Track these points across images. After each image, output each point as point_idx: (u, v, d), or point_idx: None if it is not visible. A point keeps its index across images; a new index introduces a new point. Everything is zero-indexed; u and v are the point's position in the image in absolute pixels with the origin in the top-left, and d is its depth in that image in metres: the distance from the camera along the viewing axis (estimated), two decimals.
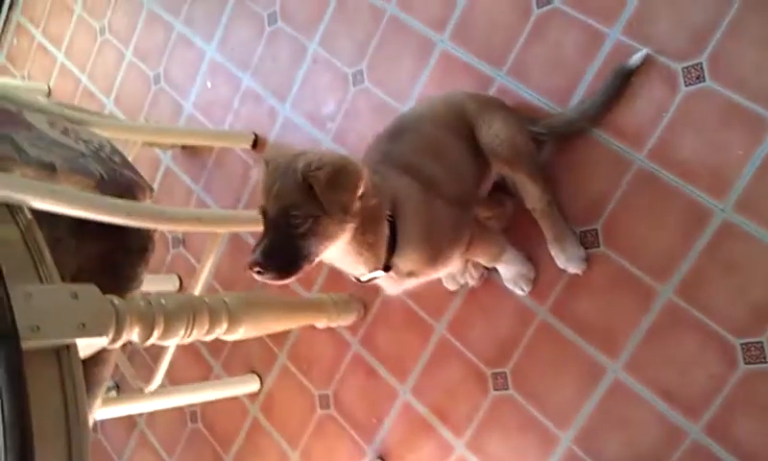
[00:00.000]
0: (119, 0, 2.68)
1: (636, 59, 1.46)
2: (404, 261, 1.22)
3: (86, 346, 1.08)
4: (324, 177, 1.06)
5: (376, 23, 1.91)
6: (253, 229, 1.82)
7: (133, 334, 1.18)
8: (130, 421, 2.32)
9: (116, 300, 1.15)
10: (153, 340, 1.22)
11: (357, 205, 1.10)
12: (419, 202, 1.23)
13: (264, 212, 1.11)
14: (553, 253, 1.52)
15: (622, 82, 1.48)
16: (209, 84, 2.31)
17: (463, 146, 1.41)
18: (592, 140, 1.52)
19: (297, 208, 1.07)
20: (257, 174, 1.14)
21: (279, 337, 1.98)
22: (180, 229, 1.49)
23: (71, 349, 1.05)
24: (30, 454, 0.87)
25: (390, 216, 1.19)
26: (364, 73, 1.93)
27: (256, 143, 2.13)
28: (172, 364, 1.68)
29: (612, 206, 1.49)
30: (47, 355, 1.03)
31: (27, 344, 0.98)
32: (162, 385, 1.73)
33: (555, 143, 1.56)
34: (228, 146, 2.18)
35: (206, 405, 2.14)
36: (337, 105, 1.98)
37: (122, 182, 1.40)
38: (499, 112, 1.48)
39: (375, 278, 1.24)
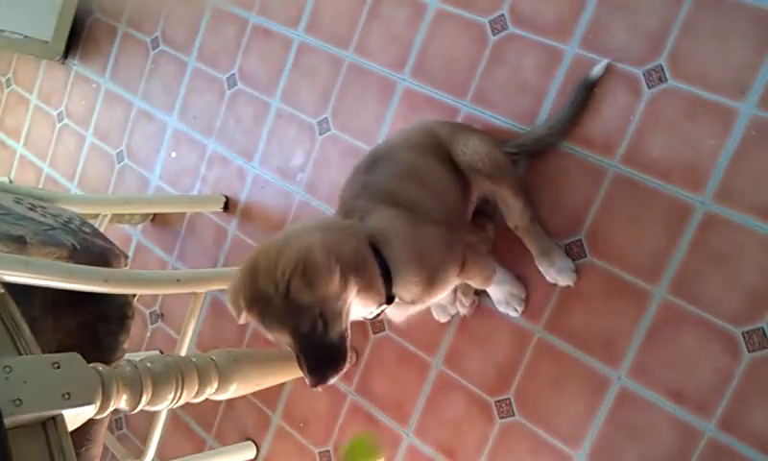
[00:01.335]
0: (74, 85, 2.67)
1: (597, 70, 1.49)
2: (404, 290, 1.20)
3: (74, 417, 1.02)
4: (297, 286, 1.03)
5: (336, 71, 1.93)
6: None
7: (122, 401, 1.11)
8: None
9: (100, 367, 1.09)
10: (142, 405, 1.16)
11: (343, 278, 1.08)
12: (403, 227, 1.21)
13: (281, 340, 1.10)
14: (542, 268, 1.50)
15: (586, 94, 1.50)
16: (174, 154, 2.29)
17: (442, 168, 1.40)
18: (564, 153, 1.54)
19: (301, 322, 1.06)
20: (244, 319, 1.13)
21: (271, 398, 1.91)
22: (160, 291, 1.43)
23: (58, 420, 0.99)
24: None
25: (375, 250, 1.17)
26: (329, 120, 1.93)
27: (227, 205, 2.11)
28: (163, 443, 1.61)
29: (592, 214, 1.49)
30: (33, 429, 0.97)
31: (10, 419, 0.92)
32: None
33: (527, 161, 1.57)
34: (199, 211, 2.14)
35: None
36: (305, 155, 1.97)
37: (95, 251, 1.36)
38: (473, 132, 1.49)
39: (382, 310, 1.22)
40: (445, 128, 1.49)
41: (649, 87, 1.45)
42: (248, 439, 1.96)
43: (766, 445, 1.29)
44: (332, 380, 1.09)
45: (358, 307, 1.16)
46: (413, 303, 1.24)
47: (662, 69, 1.44)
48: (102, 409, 1.07)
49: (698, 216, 1.38)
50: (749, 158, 1.34)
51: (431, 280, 1.22)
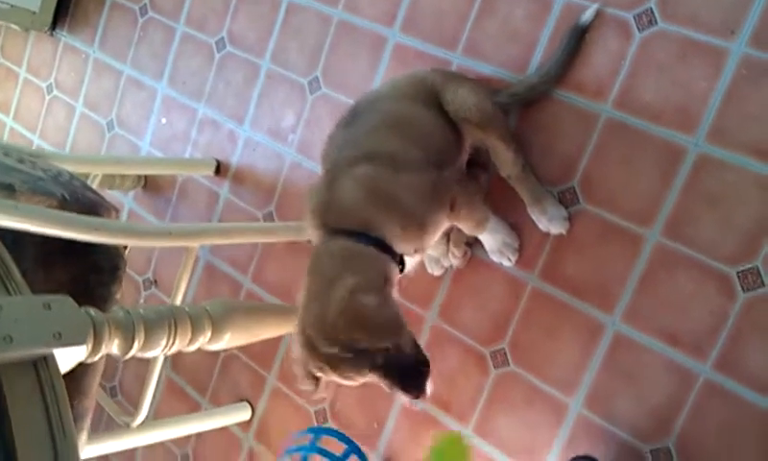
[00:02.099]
0: (63, 56, 2.64)
1: (587, 16, 1.47)
2: (402, 245, 1.20)
3: (65, 358, 1.01)
4: (359, 338, 1.07)
5: (325, 29, 1.91)
6: (225, 242, 1.78)
7: (113, 346, 1.11)
8: None
9: (92, 310, 1.09)
10: (134, 351, 1.15)
11: (387, 305, 1.13)
12: (385, 191, 1.21)
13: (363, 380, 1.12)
14: (534, 216, 1.49)
15: (577, 40, 1.49)
16: (164, 121, 2.27)
17: (429, 113, 1.39)
18: (556, 101, 1.52)
19: (375, 359, 1.08)
20: (324, 388, 1.19)
21: (266, 359, 1.91)
22: (151, 243, 1.43)
23: (49, 360, 0.98)
24: None
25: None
26: (320, 79, 1.91)
27: (219, 168, 2.09)
28: (157, 406, 1.61)
29: (585, 161, 1.49)
30: (24, 368, 0.96)
31: (1, 356, 0.91)
32: (149, 420, 1.64)
33: (520, 110, 1.56)
34: (190, 174, 2.13)
35: (198, 446, 2.05)
36: (296, 116, 1.96)
37: (85, 203, 1.35)
38: (464, 81, 1.47)
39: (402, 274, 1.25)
40: (437, 76, 1.47)
41: (639, 31, 1.44)
42: (243, 400, 1.96)
43: (761, 384, 1.29)
44: (429, 388, 1.10)
45: None
46: (415, 252, 1.26)
47: (652, 12, 1.43)
48: (93, 352, 1.07)
49: (691, 158, 1.37)
50: (740, 98, 1.33)
51: (420, 228, 1.23)
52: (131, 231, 1.33)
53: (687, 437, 1.35)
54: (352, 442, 0.95)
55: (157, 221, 2.21)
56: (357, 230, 1.17)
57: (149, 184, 2.25)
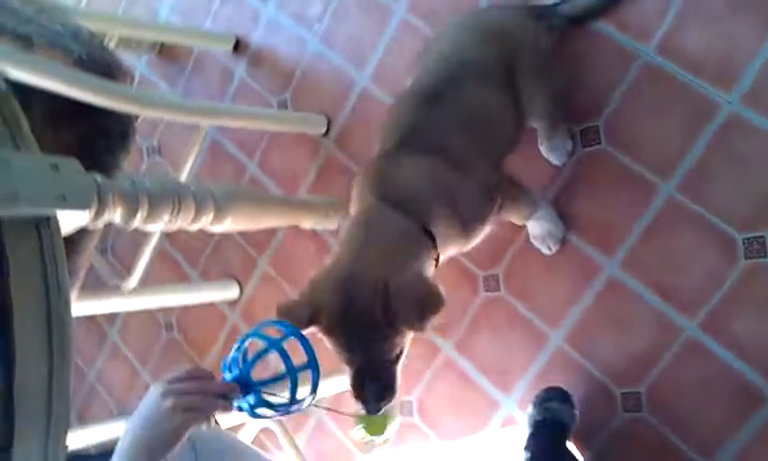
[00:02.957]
0: None
1: None
2: (445, 247, 1.13)
3: (67, 221, 1.01)
4: (411, 314, 0.94)
5: None
6: (237, 124, 1.74)
7: (116, 214, 1.10)
8: (100, 333, 2.26)
9: (99, 176, 1.08)
10: (136, 223, 1.15)
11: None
12: (447, 194, 1.12)
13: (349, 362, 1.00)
14: (540, 139, 1.48)
15: None
16: None
17: (506, 101, 1.27)
18: (597, 33, 1.47)
19: (390, 352, 0.98)
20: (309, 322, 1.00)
21: (260, 243, 1.92)
22: (163, 114, 1.39)
23: (51, 222, 0.98)
24: (8, 320, 0.80)
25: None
26: None
27: (238, 45, 2.03)
28: (147, 272, 1.62)
29: (614, 101, 1.45)
30: (26, 227, 0.96)
31: (5, 211, 0.91)
32: (139, 286, 1.66)
33: (561, 33, 1.48)
34: (208, 46, 2.07)
35: (182, 314, 2.09)
36: (324, 5, 1.88)
37: (102, 63, 1.31)
38: (543, 76, 1.34)
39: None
40: (522, 34, 1.33)
41: None
42: (232, 278, 1.98)
43: (743, 350, 1.31)
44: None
45: None
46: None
47: None
48: (96, 218, 1.07)
49: (722, 115, 1.34)
50: None
51: (469, 234, 1.17)
52: (144, 101, 1.30)
53: (660, 387, 1.39)
54: (291, 326, 0.89)
55: (169, 90, 2.17)
56: (416, 216, 1.08)
57: (164, 52, 2.19)
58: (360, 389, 1.00)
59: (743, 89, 1.32)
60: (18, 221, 0.95)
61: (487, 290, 1.59)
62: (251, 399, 0.86)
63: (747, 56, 1.32)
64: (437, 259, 1.11)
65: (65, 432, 0.79)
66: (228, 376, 0.88)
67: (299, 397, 0.86)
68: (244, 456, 0.97)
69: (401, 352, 1.01)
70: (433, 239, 1.08)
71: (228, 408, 0.86)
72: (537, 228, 1.48)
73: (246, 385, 0.86)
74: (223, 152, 2.02)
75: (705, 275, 1.35)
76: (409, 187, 1.10)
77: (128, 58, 2.23)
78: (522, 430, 1.48)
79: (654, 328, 1.39)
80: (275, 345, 0.86)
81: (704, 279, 1.35)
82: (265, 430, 1.51)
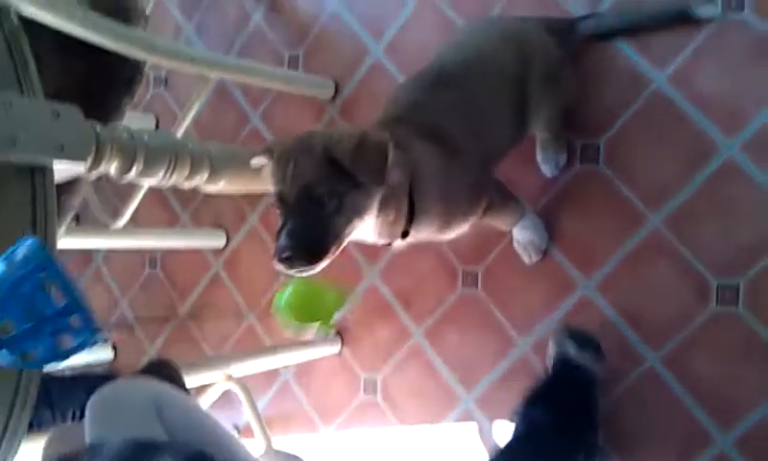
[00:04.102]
0: None
1: (704, 11, 1.37)
2: (419, 231, 1.12)
3: (62, 171, 1.02)
4: (350, 147, 0.93)
5: None
6: (246, 80, 1.73)
7: (112, 167, 1.11)
8: (86, 256, 2.27)
9: (99, 126, 1.08)
10: (131, 176, 1.15)
11: (388, 175, 0.97)
12: (438, 177, 1.11)
13: (281, 198, 0.97)
14: (537, 148, 1.49)
15: (679, 19, 1.40)
16: None
17: (511, 102, 1.28)
18: (617, 52, 1.46)
19: (321, 186, 0.94)
20: (259, 161, 1.02)
21: (254, 199, 1.92)
22: (171, 65, 1.38)
23: (46, 173, 0.98)
24: None
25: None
26: None
27: None
28: (137, 209, 1.62)
29: (620, 123, 1.45)
30: (21, 174, 0.96)
31: (2, 155, 0.91)
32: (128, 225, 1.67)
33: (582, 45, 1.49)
34: None
35: (167, 253, 2.11)
36: None
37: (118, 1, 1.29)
38: (554, 90, 1.34)
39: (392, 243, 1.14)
40: (540, 46, 1.33)
41: (725, 16, 1.36)
42: (221, 228, 2.00)
43: (699, 392, 1.36)
44: (293, 269, 0.94)
45: (370, 232, 1.06)
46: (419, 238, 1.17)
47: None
48: (92, 169, 1.07)
49: (720, 159, 1.36)
50: None
51: (445, 227, 1.17)
52: (153, 48, 1.29)
53: (618, 408, 1.43)
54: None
55: (183, 20, 2.12)
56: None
57: None
58: (280, 230, 0.93)
59: (745, 137, 1.34)
60: (15, 164, 0.95)
61: (464, 285, 1.62)
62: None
63: (756, 106, 1.33)
64: (404, 234, 1.10)
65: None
66: None
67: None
68: (215, 428, 0.99)
69: (341, 206, 0.95)
70: (412, 211, 1.07)
71: None
72: (521, 235, 1.50)
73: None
74: (228, 96, 2.00)
75: (675, 311, 1.39)
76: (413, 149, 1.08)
77: None
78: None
79: (616, 354, 1.43)
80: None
81: (673, 315, 1.39)
82: (227, 393, 1.54)
